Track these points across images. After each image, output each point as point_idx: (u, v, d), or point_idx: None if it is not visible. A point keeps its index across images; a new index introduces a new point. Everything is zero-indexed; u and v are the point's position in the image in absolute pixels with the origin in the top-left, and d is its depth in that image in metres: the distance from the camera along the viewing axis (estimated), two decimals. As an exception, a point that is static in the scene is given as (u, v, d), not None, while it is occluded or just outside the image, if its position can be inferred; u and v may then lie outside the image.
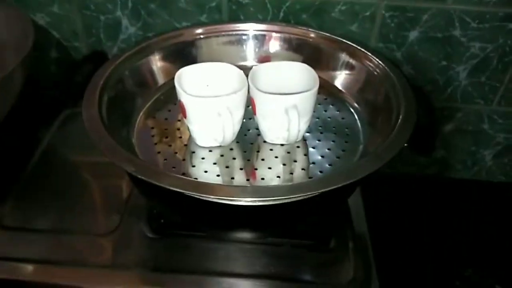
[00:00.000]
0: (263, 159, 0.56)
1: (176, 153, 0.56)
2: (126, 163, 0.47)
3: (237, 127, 0.55)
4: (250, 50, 0.70)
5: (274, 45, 0.69)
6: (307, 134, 0.59)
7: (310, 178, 0.53)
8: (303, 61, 0.59)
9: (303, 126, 0.55)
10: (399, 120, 0.53)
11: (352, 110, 0.63)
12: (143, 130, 0.59)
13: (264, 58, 0.69)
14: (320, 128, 0.60)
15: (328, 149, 0.57)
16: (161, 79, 0.66)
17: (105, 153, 0.48)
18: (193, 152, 0.56)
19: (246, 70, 0.55)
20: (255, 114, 0.56)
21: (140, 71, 0.64)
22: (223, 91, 0.54)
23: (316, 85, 0.53)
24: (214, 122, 0.52)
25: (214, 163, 0.55)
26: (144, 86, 0.64)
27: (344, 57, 0.65)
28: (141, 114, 0.61)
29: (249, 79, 0.53)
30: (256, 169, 0.54)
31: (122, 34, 0.73)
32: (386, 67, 0.61)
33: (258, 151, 0.57)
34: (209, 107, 0.52)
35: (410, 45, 0.70)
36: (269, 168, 0.54)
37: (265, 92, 0.53)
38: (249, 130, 0.59)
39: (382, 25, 0.68)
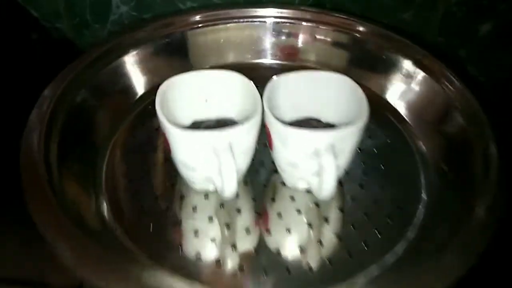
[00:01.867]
0: (279, 214, 0.35)
1: (157, 197, 0.36)
2: (59, 237, 0.27)
3: (242, 172, 0.35)
4: (268, 43, 0.48)
5: (302, 40, 0.48)
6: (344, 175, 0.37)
7: (349, 256, 0.32)
8: (344, 63, 0.44)
9: (341, 170, 0.34)
10: (489, 180, 0.31)
11: (411, 144, 0.40)
12: (116, 160, 0.39)
13: (289, 55, 0.47)
14: (362, 165, 0.38)
15: (375, 202, 0.36)
16: (141, 88, 0.44)
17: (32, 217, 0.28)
18: (182, 198, 0.36)
19: (263, 70, 0.35)
20: (271, 148, 0.35)
21: (111, 79, 0.43)
22: (228, 110, 0.36)
23: (363, 116, 0.31)
24: (209, 164, 0.31)
25: (210, 217, 0.34)
26: (118, 98, 0.43)
27: (408, 67, 0.43)
28: (115, 137, 0.40)
29: (264, 101, 0.32)
30: (267, 230, 0.34)
31: (112, 15, 0.54)
32: (473, 96, 0.38)
33: (273, 199, 0.36)
34: (202, 145, 0.31)
35: (480, 41, 0.51)
36: (287, 230, 0.34)
37: (287, 124, 0.31)
38: (263, 163, 0.38)
39: (446, 14, 0.50)
